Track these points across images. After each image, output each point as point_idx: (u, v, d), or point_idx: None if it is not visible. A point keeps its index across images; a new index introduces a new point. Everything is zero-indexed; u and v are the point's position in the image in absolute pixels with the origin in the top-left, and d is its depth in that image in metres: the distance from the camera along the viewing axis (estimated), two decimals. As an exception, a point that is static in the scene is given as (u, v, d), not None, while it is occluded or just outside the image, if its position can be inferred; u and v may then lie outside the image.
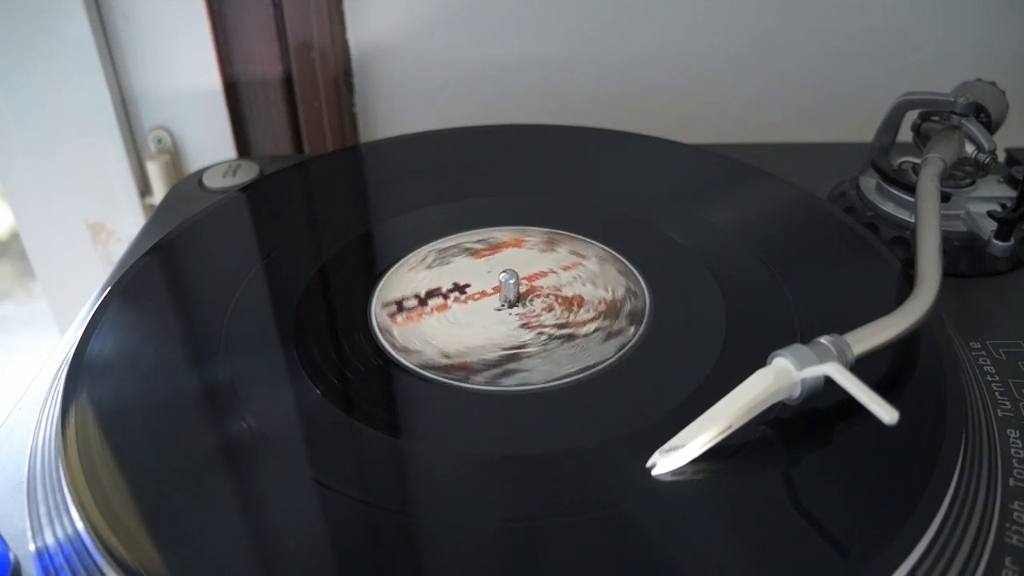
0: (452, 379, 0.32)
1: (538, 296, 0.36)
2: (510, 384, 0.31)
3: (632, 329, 0.33)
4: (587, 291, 0.36)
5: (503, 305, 0.36)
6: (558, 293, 0.36)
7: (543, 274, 0.38)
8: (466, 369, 0.32)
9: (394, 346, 0.34)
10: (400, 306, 0.36)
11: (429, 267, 0.39)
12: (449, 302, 0.36)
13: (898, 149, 0.45)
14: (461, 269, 0.38)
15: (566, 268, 0.38)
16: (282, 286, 0.37)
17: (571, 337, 0.34)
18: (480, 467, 0.28)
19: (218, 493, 0.27)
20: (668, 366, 0.32)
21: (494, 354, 0.33)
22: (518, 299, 0.36)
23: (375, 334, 0.34)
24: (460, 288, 0.37)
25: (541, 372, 0.32)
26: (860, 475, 0.27)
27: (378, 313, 0.36)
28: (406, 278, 0.38)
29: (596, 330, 0.34)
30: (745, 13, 0.60)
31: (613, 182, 0.45)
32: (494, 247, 0.40)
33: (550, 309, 0.35)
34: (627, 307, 0.35)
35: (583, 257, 0.38)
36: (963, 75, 0.45)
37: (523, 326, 0.35)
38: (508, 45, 0.61)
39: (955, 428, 0.28)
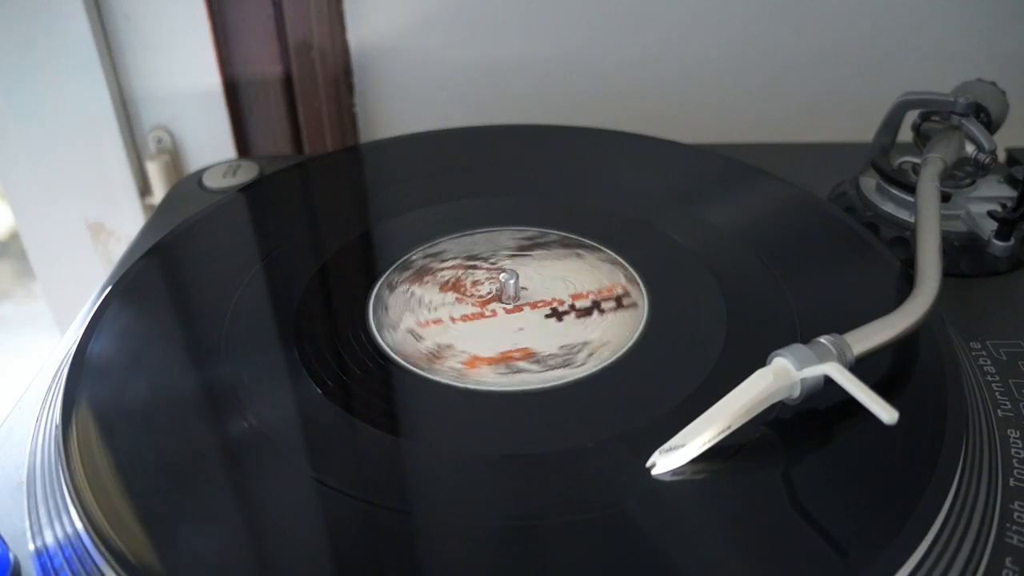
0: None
1: (552, 308, 0.36)
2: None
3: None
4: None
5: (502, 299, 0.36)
6: (582, 305, 0.36)
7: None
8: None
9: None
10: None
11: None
12: (497, 309, 0.36)
13: (898, 149, 0.45)
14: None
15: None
16: (282, 286, 0.37)
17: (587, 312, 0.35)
18: (480, 467, 0.28)
19: (218, 493, 0.27)
20: (668, 366, 0.32)
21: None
22: (513, 298, 0.36)
23: (373, 330, 0.34)
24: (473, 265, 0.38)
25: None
26: (860, 475, 0.27)
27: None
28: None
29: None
30: (745, 13, 0.60)
31: (613, 182, 0.45)
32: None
33: (576, 311, 0.36)
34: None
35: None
36: (963, 75, 0.45)
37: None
38: (508, 45, 0.61)
39: (955, 428, 0.28)
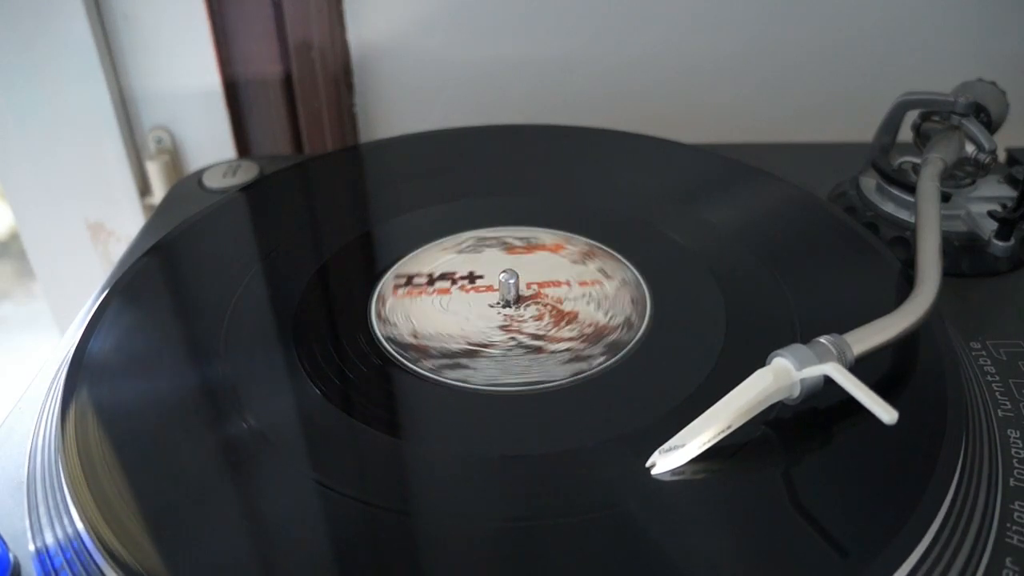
0: (406, 359, 0.33)
1: (536, 303, 0.36)
2: (452, 377, 0.32)
3: (602, 359, 0.32)
4: (586, 311, 0.35)
5: (498, 303, 0.36)
6: (557, 305, 0.36)
7: (557, 283, 0.37)
8: (422, 352, 0.33)
9: (379, 315, 0.35)
10: (410, 280, 0.37)
11: (460, 251, 0.39)
12: (453, 288, 0.37)
13: (898, 149, 0.44)
14: (487, 261, 0.39)
15: (583, 283, 0.37)
16: (282, 286, 0.37)
17: (537, 351, 0.33)
18: (480, 467, 0.28)
19: (218, 493, 0.27)
20: (668, 366, 0.32)
21: (456, 345, 0.34)
22: (517, 300, 0.36)
23: (373, 327, 0.34)
24: (471, 278, 0.38)
25: (485, 375, 0.32)
26: (860, 475, 0.27)
27: (386, 282, 0.37)
28: (433, 256, 0.39)
29: (565, 350, 0.33)
30: (745, 13, 0.60)
31: (613, 182, 0.45)
32: (531, 247, 0.39)
33: (539, 318, 0.35)
34: (611, 337, 0.34)
35: (607, 277, 0.37)
36: (963, 75, 0.45)
37: (502, 327, 0.35)
38: (508, 45, 0.61)
39: (955, 428, 0.28)
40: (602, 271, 0.38)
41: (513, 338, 0.34)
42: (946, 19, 0.60)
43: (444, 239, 0.40)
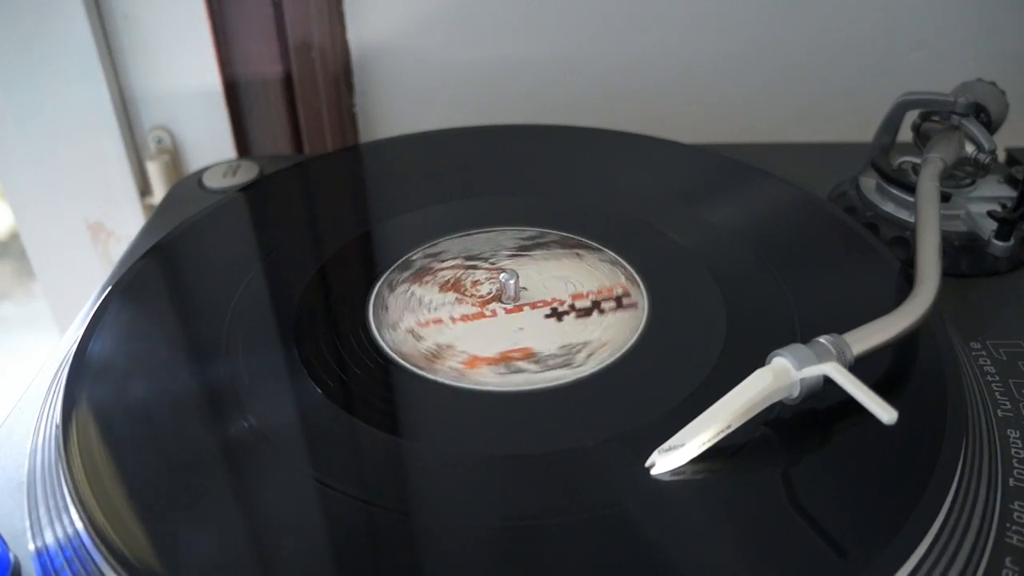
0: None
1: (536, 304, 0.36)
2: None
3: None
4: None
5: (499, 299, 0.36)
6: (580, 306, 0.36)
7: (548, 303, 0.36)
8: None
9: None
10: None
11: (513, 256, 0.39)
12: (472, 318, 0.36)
13: (898, 149, 0.44)
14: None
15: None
16: (282, 286, 0.37)
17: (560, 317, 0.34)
18: (480, 467, 0.28)
19: (218, 493, 0.27)
20: (668, 366, 0.32)
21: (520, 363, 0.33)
22: (513, 299, 0.36)
23: (373, 330, 0.34)
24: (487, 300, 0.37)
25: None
26: (860, 475, 0.27)
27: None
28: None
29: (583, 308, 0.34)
30: (745, 13, 0.60)
31: (613, 182, 0.45)
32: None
33: (575, 311, 0.36)
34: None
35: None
36: (963, 75, 0.45)
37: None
38: (508, 45, 0.61)
39: (955, 428, 0.28)
40: (618, 302, 0.36)
41: (551, 310, 0.35)
42: (946, 19, 0.60)
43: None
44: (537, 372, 0.32)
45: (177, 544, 0.25)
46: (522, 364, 0.33)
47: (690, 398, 0.30)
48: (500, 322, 0.35)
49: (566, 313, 0.35)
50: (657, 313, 0.35)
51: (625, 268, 0.38)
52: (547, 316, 0.35)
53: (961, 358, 0.33)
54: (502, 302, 0.36)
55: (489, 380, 0.32)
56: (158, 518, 0.26)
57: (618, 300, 0.36)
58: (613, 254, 0.39)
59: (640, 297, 0.36)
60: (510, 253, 0.39)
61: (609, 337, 0.34)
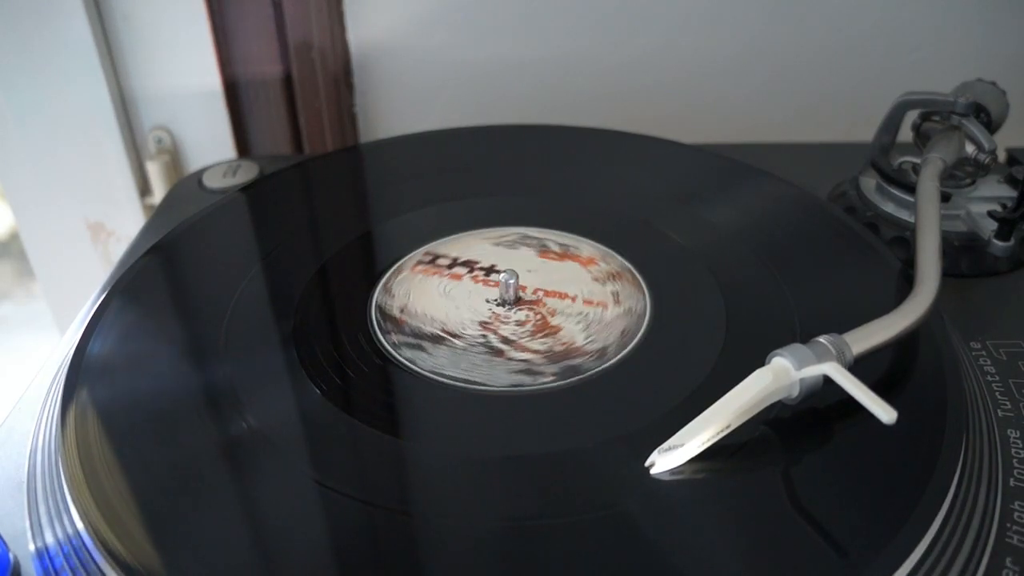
0: (380, 329, 0.34)
1: (532, 308, 0.36)
2: (405, 356, 0.33)
3: (552, 378, 0.32)
4: (570, 329, 0.34)
5: (495, 300, 0.36)
6: (548, 316, 0.35)
7: (563, 295, 0.36)
8: (396, 326, 0.35)
9: (385, 286, 0.36)
10: (435, 260, 0.38)
11: (497, 244, 0.39)
12: (465, 276, 0.37)
13: (898, 149, 0.44)
14: (515, 258, 0.39)
15: (587, 302, 0.36)
16: (282, 286, 0.37)
17: (498, 353, 0.33)
18: (480, 467, 0.28)
19: (218, 493, 0.27)
20: (668, 366, 0.32)
21: (430, 328, 0.35)
22: (516, 301, 0.36)
23: (373, 330, 0.34)
24: (490, 270, 0.38)
25: (433, 363, 0.33)
26: (860, 475, 0.27)
27: (411, 257, 0.39)
28: (471, 243, 0.40)
29: (523, 360, 0.33)
30: (745, 13, 0.60)
31: (613, 182, 0.45)
32: (564, 255, 0.39)
33: (523, 323, 0.35)
34: (575, 361, 0.32)
35: (615, 303, 0.36)
36: (963, 75, 0.45)
37: (483, 323, 0.35)
38: (508, 45, 0.61)
39: (955, 428, 0.28)
40: (615, 295, 0.36)
41: (484, 336, 0.34)
42: (946, 19, 0.60)
43: (489, 229, 0.41)
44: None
45: (177, 544, 0.25)
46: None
47: (690, 398, 0.30)
48: (473, 309, 0.36)
49: (550, 326, 0.35)
50: (657, 313, 0.35)
51: (639, 297, 0.36)
52: (531, 323, 0.35)
53: (961, 358, 0.33)
54: (499, 300, 0.36)
55: (397, 344, 0.33)
56: (158, 518, 0.26)
57: (575, 350, 0.34)
58: (638, 280, 0.38)
59: (640, 297, 0.36)
60: (542, 256, 0.39)
61: (573, 360, 0.33)
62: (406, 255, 0.39)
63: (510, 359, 0.33)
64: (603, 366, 0.32)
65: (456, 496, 0.27)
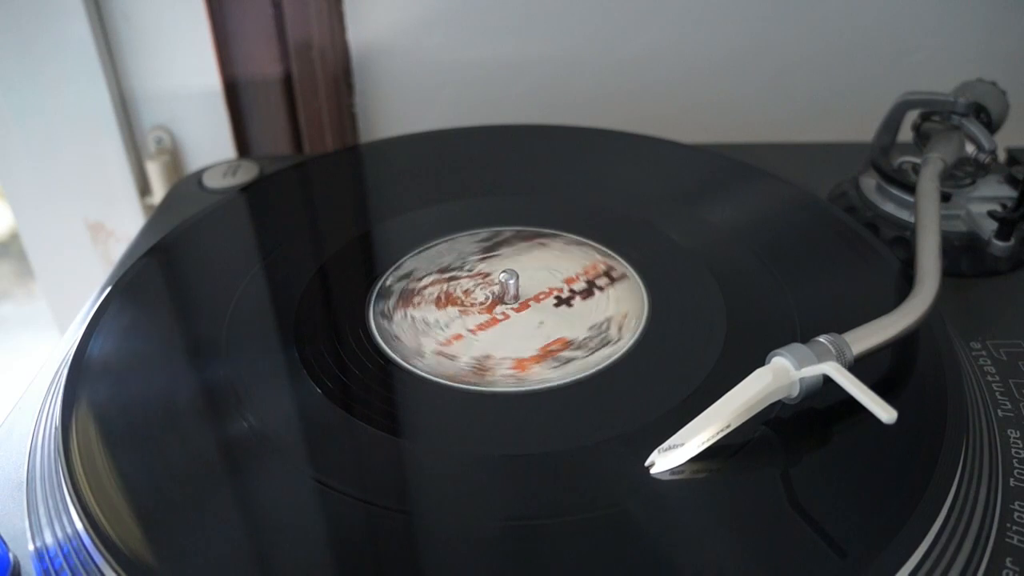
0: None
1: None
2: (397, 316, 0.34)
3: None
4: (598, 302, 0.36)
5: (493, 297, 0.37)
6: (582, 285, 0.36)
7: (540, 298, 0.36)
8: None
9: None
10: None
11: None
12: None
13: (898, 149, 0.44)
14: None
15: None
16: (282, 286, 0.37)
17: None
18: (480, 467, 0.28)
19: (218, 493, 0.27)
20: (668, 366, 0.32)
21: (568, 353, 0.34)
22: (518, 302, 0.36)
23: (373, 330, 0.34)
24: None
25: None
26: (860, 475, 0.27)
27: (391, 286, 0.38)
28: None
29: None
30: (745, 13, 0.60)
31: (613, 182, 0.45)
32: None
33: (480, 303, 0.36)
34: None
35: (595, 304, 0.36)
36: (963, 75, 0.45)
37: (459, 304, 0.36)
38: (508, 45, 0.61)
39: (955, 428, 0.28)
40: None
41: (464, 308, 0.36)
42: (946, 19, 0.60)
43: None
44: (585, 356, 0.33)
45: (176, 544, 0.25)
46: (566, 354, 0.33)
47: (690, 398, 0.30)
48: (517, 322, 0.35)
49: (571, 297, 0.36)
50: (657, 313, 0.35)
51: (593, 246, 0.39)
52: (556, 305, 0.36)
53: (961, 358, 0.33)
54: (505, 303, 0.36)
55: (549, 376, 0.32)
56: (157, 518, 0.26)
57: (608, 275, 0.36)
58: (577, 237, 0.40)
59: (624, 267, 0.37)
60: (477, 257, 0.39)
61: (624, 307, 0.35)
62: (378, 281, 0.38)
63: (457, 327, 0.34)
64: (550, 384, 0.32)
65: (456, 496, 0.27)
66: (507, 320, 0.35)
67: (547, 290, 0.36)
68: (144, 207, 0.64)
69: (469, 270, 0.38)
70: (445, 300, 0.37)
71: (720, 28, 0.61)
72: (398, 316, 0.36)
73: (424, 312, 0.36)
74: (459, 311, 0.36)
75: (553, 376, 0.32)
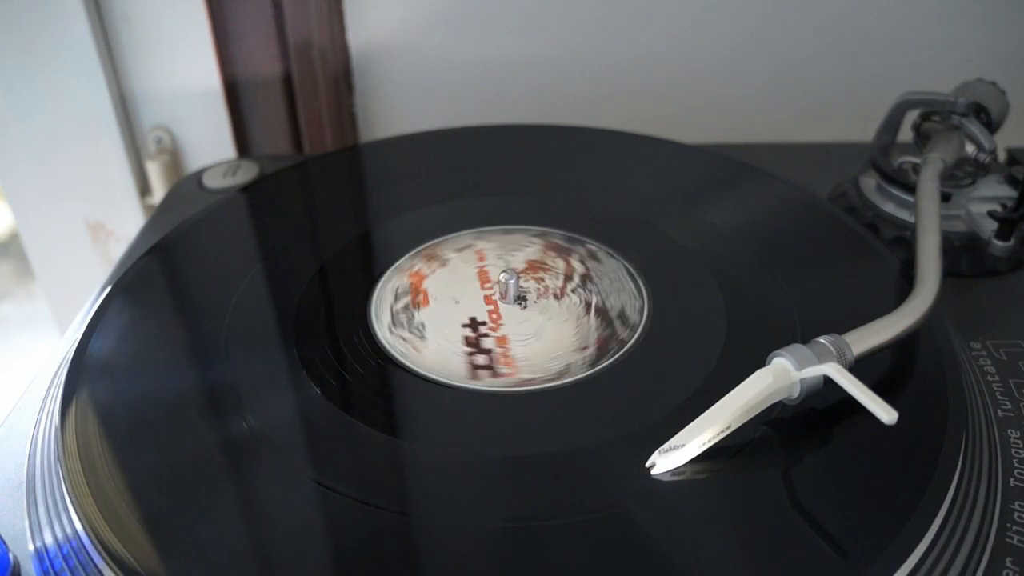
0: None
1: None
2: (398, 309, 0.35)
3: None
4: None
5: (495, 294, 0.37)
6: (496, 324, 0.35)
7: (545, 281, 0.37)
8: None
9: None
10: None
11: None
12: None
13: (898, 149, 0.44)
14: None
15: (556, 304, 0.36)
16: (282, 286, 0.37)
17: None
18: (480, 467, 0.28)
19: (218, 493, 0.27)
20: (668, 366, 0.32)
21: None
22: (515, 298, 0.36)
23: (372, 330, 0.34)
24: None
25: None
26: (860, 475, 0.27)
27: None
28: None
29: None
30: (745, 13, 0.60)
31: (613, 182, 0.45)
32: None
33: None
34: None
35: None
36: (963, 75, 0.45)
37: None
38: (508, 45, 0.61)
39: (955, 428, 0.28)
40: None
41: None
42: (946, 19, 0.60)
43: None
44: (585, 356, 0.33)
45: (176, 544, 0.25)
46: (567, 354, 0.33)
47: (690, 399, 0.30)
48: (517, 321, 0.35)
49: (571, 296, 0.36)
50: (658, 313, 0.35)
51: (592, 244, 0.39)
52: (556, 302, 0.36)
53: (961, 358, 0.33)
54: (505, 302, 0.36)
55: (549, 376, 0.32)
56: (157, 518, 0.26)
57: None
58: (577, 237, 0.40)
59: (639, 297, 0.36)
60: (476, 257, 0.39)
61: (623, 307, 0.35)
62: (378, 281, 0.38)
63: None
64: (550, 385, 0.32)
65: (456, 496, 0.27)
66: (507, 320, 0.35)
67: (545, 289, 0.36)
68: (144, 207, 0.64)
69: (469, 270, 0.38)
70: (446, 300, 0.37)
71: (720, 28, 0.61)
72: (398, 316, 0.36)
73: (424, 312, 0.36)
74: (460, 311, 0.36)
75: (553, 376, 0.32)
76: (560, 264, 0.38)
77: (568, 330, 0.34)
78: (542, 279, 0.37)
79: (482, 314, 0.35)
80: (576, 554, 0.25)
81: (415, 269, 0.38)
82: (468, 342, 0.34)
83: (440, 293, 0.36)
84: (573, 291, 0.37)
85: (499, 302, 0.36)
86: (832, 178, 0.47)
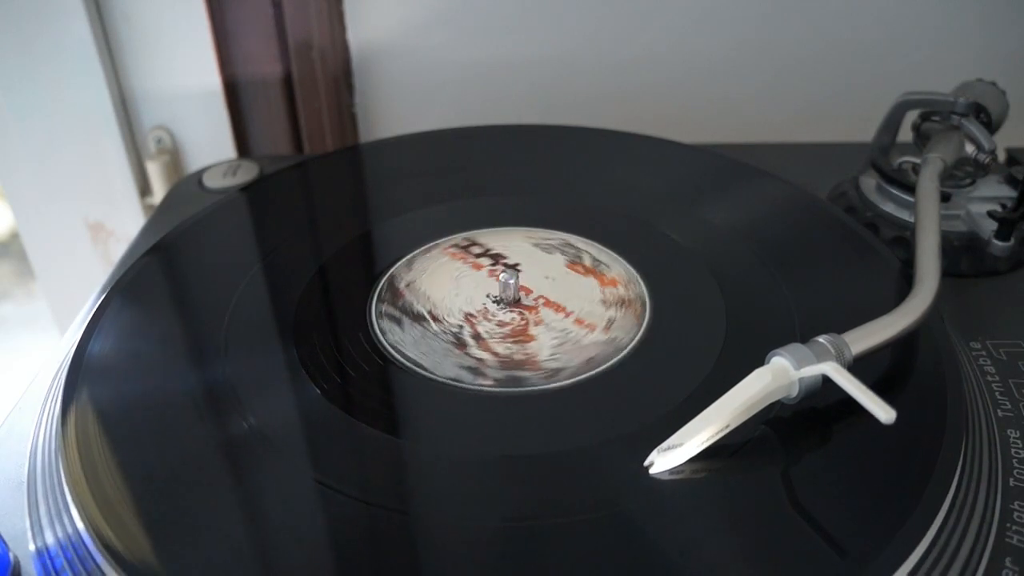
0: (381, 298, 0.36)
1: (522, 313, 0.35)
2: (380, 327, 0.34)
3: (492, 382, 0.32)
4: (540, 344, 0.34)
5: (493, 296, 0.36)
6: (530, 325, 0.35)
7: (559, 308, 0.36)
8: (396, 297, 0.36)
9: (409, 261, 0.39)
10: (468, 247, 0.39)
11: (535, 245, 0.40)
12: (486, 267, 0.38)
13: (898, 149, 0.44)
14: (543, 262, 0.38)
15: (578, 321, 0.35)
16: (282, 286, 0.37)
17: (460, 346, 0.33)
18: (480, 467, 0.28)
19: (218, 493, 0.27)
20: (668, 366, 0.32)
21: (420, 307, 0.36)
22: (515, 302, 0.36)
23: (372, 330, 0.34)
24: (510, 267, 0.38)
25: (397, 338, 0.34)
26: (860, 475, 0.27)
27: (452, 239, 0.40)
28: (513, 240, 0.40)
29: (476, 359, 0.33)
30: (745, 13, 0.60)
31: (613, 182, 0.45)
32: (590, 271, 0.38)
33: (503, 325, 0.35)
34: (522, 372, 0.32)
35: (604, 329, 0.34)
36: (963, 75, 0.45)
37: (468, 315, 0.35)
38: (508, 45, 0.61)
39: (955, 428, 0.28)
40: (610, 321, 0.35)
41: (461, 326, 0.34)
42: (946, 19, 0.60)
43: (534, 229, 0.41)
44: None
45: (177, 544, 0.25)
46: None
47: (690, 398, 0.30)
48: (469, 301, 0.36)
49: (524, 334, 0.34)
50: (657, 313, 0.35)
51: (632, 330, 0.35)
52: (511, 327, 0.35)
53: (961, 358, 0.33)
54: (497, 297, 0.36)
55: (385, 313, 0.34)
56: (158, 518, 0.26)
57: (579, 352, 0.34)
58: (577, 236, 0.40)
59: (640, 296, 0.36)
60: (569, 267, 0.38)
61: (623, 306, 0.35)
62: (378, 281, 0.38)
63: (467, 354, 0.33)
64: (550, 385, 0.31)
65: (456, 496, 0.27)
66: (507, 319, 0.35)
67: (545, 291, 0.36)
68: (144, 207, 0.64)
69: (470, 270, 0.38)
70: (446, 299, 0.37)
71: (720, 28, 0.61)
72: (398, 316, 0.36)
73: (425, 311, 0.36)
74: (460, 310, 0.36)
75: (553, 375, 0.32)
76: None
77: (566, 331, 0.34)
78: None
79: (482, 314, 0.35)
80: (576, 554, 0.25)
81: (416, 268, 0.38)
82: (468, 342, 0.34)
83: (440, 293, 0.36)
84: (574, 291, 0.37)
85: (499, 302, 0.36)
86: (832, 178, 0.47)
